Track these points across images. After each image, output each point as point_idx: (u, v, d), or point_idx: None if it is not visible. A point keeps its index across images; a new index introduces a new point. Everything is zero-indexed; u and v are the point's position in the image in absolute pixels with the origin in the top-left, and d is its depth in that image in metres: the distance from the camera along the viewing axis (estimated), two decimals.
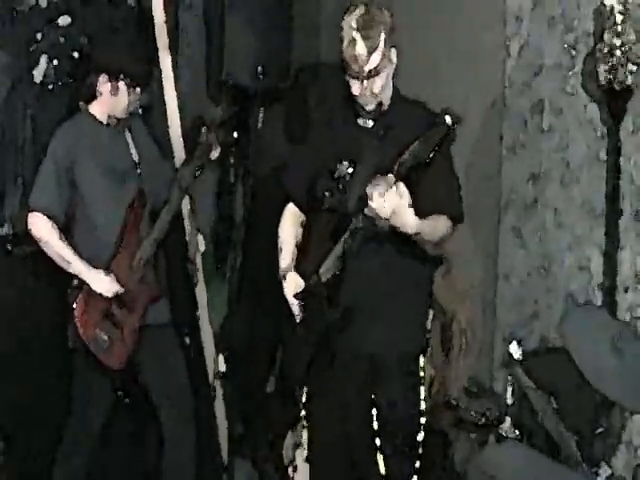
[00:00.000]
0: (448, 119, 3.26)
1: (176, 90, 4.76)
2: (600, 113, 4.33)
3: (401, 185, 3.28)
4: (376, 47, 3.47)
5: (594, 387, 3.40)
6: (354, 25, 3.49)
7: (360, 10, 3.52)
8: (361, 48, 3.47)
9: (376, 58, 3.48)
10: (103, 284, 4.09)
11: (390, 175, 3.29)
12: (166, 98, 4.79)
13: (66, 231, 4.14)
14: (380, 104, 3.55)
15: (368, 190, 3.32)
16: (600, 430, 3.60)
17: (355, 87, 3.54)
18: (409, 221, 3.34)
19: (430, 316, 3.84)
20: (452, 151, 3.58)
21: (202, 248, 4.82)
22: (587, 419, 3.68)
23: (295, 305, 3.66)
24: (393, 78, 3.60)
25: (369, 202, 3.32)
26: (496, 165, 4.72)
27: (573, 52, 4.42)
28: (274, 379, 4.67)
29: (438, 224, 3.51)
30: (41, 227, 4.09)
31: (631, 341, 3.56)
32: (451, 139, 3.36)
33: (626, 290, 4.21)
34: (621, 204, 4.22)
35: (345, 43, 3.50)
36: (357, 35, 3.47)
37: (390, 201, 3.28)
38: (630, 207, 4.23)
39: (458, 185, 3.63)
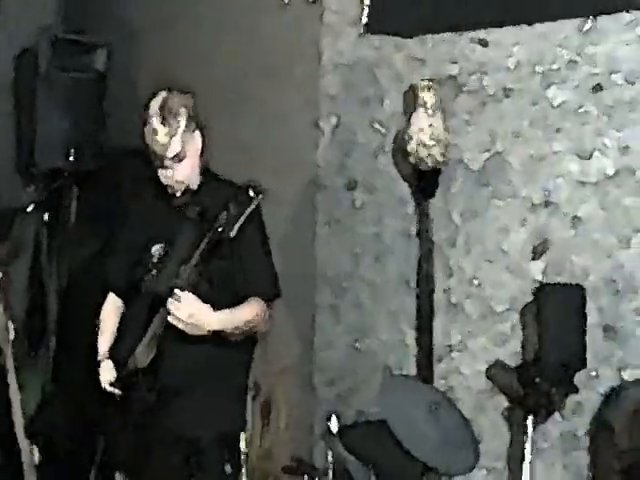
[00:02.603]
0: (251, 191, 3.27)
1: None
2: (410, 190, 4.47)
3: (187, 297, 3.32)
4: (175, 133, 3.46)
5: (413, 455, 3.43)
6: (154, 112, 3.47)
7: (161, 96, 3.51)
8: (161, 134, 3.45)
9: (176, 144, 3.46)
10: None
11: (177, 291, 3.32)
12: None
13: None
14: (188, 187, 3.54)
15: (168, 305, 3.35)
16: None
17: (161, 176, 3.53)
18: (209, 322, 3.38)
19: (249, 394, 3.82)
20: (267, 229, 3.60)
21: (12, 336, 4.65)
22: None
23: (111, 390, 3.57)
24: (202, 157, 3.57)
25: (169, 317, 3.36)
26: (311, 242, 4.77)
27: (383, 131, 4.57)
28: (95, 468, 4.51)
29: (245, 312, 3.51)
30: None
31: (446, 408, 3.63)
32: (258, 213, 3.39)
33: (440, 359, 4.32)
34: (433, 277, 4.37)
35: (146, 130, 3.48)
36: (156, 122, 3.46)
37: (184, 314, 3.33)
38: (441, 280, 4.37)
39: (271, 262, 3.63)
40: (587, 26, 4.05)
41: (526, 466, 3.69)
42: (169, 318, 3.36)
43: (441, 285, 4.36)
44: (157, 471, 3.52)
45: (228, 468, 3.56)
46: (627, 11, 3.95)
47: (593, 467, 3.87)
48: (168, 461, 3.52)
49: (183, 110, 3.49)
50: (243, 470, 3.62)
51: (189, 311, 3.34)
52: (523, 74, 4.21)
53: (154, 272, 3.54)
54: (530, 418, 3.75)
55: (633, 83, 3.97)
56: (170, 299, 3.34)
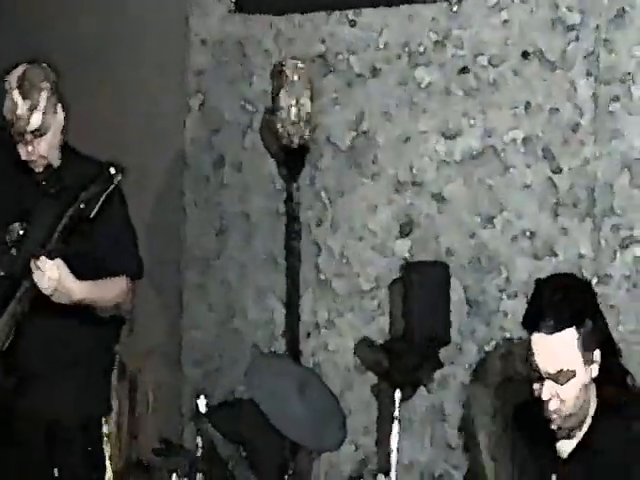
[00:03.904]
0: (112, 170, 3.23)
1: None
2: (278, 168, 4.48)
3: (52, 262, 3.25)
4: (37, 106, 3.37)
5: (281, 433, 3.44)
6: (14, 84, 3.38)
7: (21, 68, 3.42)
8: (21, 108, 3.35)
9: (38, 118, 3.37)
10: None
11: (43, 257, 3.25)
12: None
13: None
14: (50, 164, 3.46)
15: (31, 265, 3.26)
16: (290, 473, 3.65)
17: (22, 151, 3.42)
18: (72, 290, 3.32)
19: (114, 377, 3.77)
20: (133, 206, 3.56)
21: None
22: (276, 464, 3.72)
23: None
24: (63, 133, 3.49)
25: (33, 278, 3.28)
26: (178, 220, 4.73)
27: (251, 109, 4.56)
28: None
29: (110, 285, 3.47)
30: None
31: (314, 385, 3.66)
32: (119, 191, 3.35)
33: (308, 336, 4.35)
34: (301, 255, 4.40)
35: (6, 104, 3.38)
36: (17, 95, 3.36)
37: (48, 276, 3.25)
38: (309, 258, 4.40)
39: (135, 240, 3.59)
40: (454, 9, 4.13)
41: (394, 440, 3.75)
42: (34, 275, 3.26)
43: (309, 263, 4.39)
44: (19, 457, 3.44)
45: (90, 452, 3.52)
46: None
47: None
48: (30, 446, 3.44)
49: (45, 84, 3.39)
50: (107, 454, 3.58)
51: (55, 274, 3.25)
52: (391, 55, 4.25)
53: (12, 251, 3.45)
54: (397, 393, 3.80)
55: (497, 66, 4.05)
56: (34, 264, 3.25)
